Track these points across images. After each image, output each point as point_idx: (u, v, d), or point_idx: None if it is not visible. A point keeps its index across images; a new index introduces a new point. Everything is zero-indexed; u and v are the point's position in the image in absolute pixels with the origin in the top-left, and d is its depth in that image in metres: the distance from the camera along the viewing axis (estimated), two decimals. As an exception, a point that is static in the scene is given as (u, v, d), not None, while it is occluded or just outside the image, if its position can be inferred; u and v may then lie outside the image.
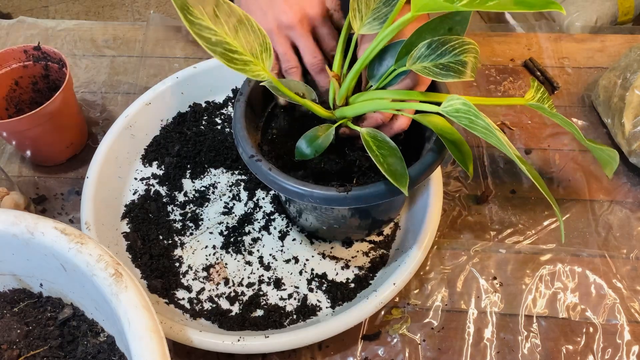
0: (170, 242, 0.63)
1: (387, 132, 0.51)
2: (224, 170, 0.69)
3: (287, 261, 0.61)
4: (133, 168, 0.69)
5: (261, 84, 0.50)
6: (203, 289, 0.60)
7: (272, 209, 0.65)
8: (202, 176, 0.68)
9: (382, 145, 0.48)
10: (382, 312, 0.58)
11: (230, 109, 0.74)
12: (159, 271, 0.60)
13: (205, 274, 0.61)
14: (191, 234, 0.64)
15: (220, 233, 0.64)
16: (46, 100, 0.62)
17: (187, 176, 0.68)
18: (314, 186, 0.49)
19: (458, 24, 0.49)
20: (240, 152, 0.53)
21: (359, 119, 0.53)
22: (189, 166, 0.69)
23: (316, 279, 0.60)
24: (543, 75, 0.78)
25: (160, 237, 0.63)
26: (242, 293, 0.59)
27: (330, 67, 0.54)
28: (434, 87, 0.55)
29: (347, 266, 0.61)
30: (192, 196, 0.67)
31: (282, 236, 0.63)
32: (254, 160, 0.51)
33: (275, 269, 0.61)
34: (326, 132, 0.51)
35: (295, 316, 0.57)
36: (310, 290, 0.59)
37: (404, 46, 0.49)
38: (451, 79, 0.46)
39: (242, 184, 0.67)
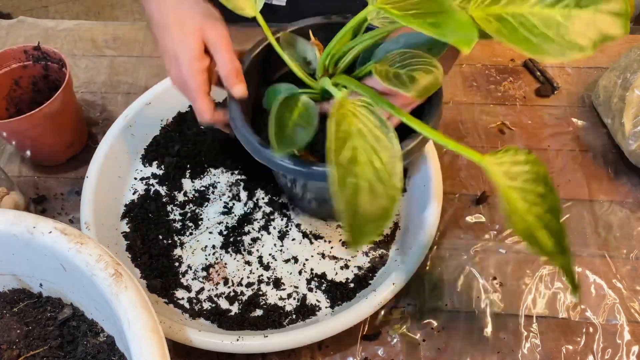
0: (169, 241, 0.63)
1: None
2: (224, 170, 0.69)
3: (287, 261, 0.61)
4: (133, 168, 0.69)
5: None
6: (202, 289, 0.60)
7: (272, 209, 0.65)
8: (202, 176, 0.68)
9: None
10: (382, 312, 0.58)
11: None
12: (159, 271, 0.60)
13: (204, 273, 0.61)
14: (191, 233, 0.64)
15: (220, 233, 0.64)
16: (46, 100, 0.62)
17: (187, 176, 0.68)
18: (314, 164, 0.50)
19: (436, 47, 0.49)
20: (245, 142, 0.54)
21: None
22: (188, 166, 0.69)
23: (315, 278, 0.60)
24: (543, 75, 0.78)
25: (160, 237, 0.63)
26: (242, 293, 0.59)
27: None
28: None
29: (346, 266, 0.61)
30: (192, 196, 0.67)
31: (282, 236, 0.63)
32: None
33: (274, 268, 0.61)
34: (301, 110, 0.50)
35: (294, 316, 0.57)
36: (310, 290, 0.59)
37: (391, 43, 0.50)
38: (392, 86, 0.45)
39: (242, 183, 0.67)
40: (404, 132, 0.49)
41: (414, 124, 0.45)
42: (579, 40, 0.39)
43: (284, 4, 0.85)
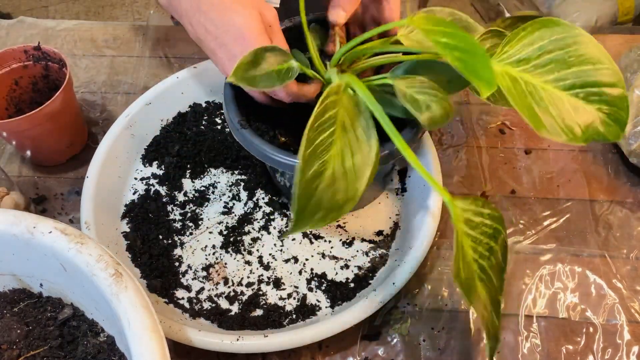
0: (169, 241, 0.63)
1: None
2: (224, 170, 0.69)
3: (287, 261, 0.61)
4: (133, 168, 0.69)
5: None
6: (202, 289, 0.60)
7: (272, 209, 0.65)
8: (202, 176, 0.68)
9: None
10: (382, 312, 0.58)
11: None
12: (159, 271, 0.60)
13: (204, 273, 0.61)
14: (191, 233, 0.64)
15: (220, 233, 0.64)
16: (46, 100, 0.62)
17: (187, 176, 0.68)
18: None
19: (456, 81, 0.50)
20: (227, 121, 0.55)
21: None
22: (189, 166, 0.69)
23: (316, 278, 0.60)
24: (543, 75, 0.78)
25: (160, 237, 0.63)
26: (242, 293, 0.59)
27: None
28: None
29: (346, 266, 0.61)
30: (192, 196, 0.67)
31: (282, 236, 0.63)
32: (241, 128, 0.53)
33: (274, 268, 0.61)
34: (281, 65, 0.50)
35: (294, 316, 0.57)
36: (310, 289, 0.59)
37: (417, 64, 0.50)
38: (410, 108, 0.47)
39: (242, 183, 0.67)
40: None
41: (394, 136, 0.46)
42: (575, 128, 0.41)
43: (277, 5, 0.85)
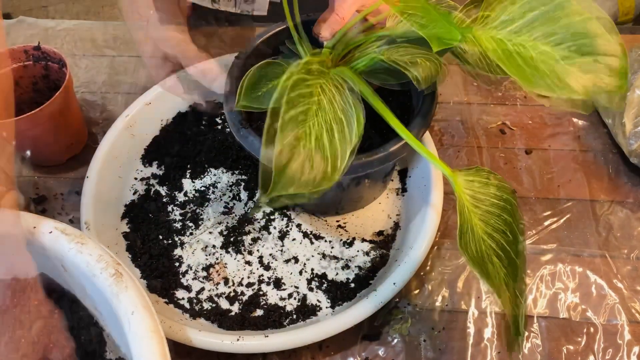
0: (170, 241, 0.63)
1: None
2: (224, 170, 0.69)
3: (287, 261, 0.61)
4: (133, 168, 0.69)
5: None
6: (203, 289, 0.60)
7: (272, 209, 0.65)
8: (202, 176, 0.68)
9: None
10: (383, 312, 0.58)
11: (230, 108, 0.74)
12: (159, 271, 0.60)
13: (205, 273, 0.61)
14: (191, 233, 0.64)
15: (220, 233, 0.64)
16: (46, 100, 0.62)
17: (187, 176, 0.68)
18: None
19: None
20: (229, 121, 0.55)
21: None
22: (189, 166, 0.69)
23: (316, 278, 0.60)
24: (543, 75, 0.78)
25: (160, 237, 0.63)
26: (242, 293, 0.59)
27: None
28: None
29: (347, 266, 0.61)
30: (192, 196, 0.67)
31: (282, 236, 0.63)
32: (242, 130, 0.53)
33: (275, 268, 0.61)
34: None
35: (295, 316, 0.57)
36: (310, 290, 0.59)
37: (398, 41, 0.50)
38: (396, 65, 0.46)
39: (243, 183, 0.67)
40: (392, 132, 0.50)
41: (398, 128, 0.46)
42: (571, 83, 0.39)
43: (265, 14, 0.85)
